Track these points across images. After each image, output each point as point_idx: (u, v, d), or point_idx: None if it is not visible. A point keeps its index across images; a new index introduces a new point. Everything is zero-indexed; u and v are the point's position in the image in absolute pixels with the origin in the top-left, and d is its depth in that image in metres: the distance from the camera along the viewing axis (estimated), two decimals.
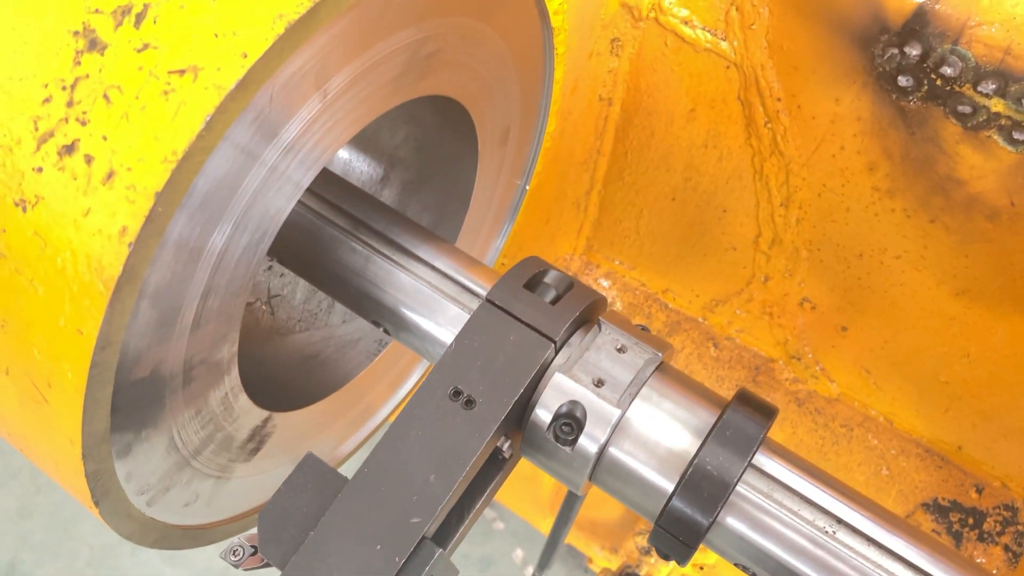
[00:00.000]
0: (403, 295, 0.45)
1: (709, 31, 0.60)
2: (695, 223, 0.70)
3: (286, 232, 0.40)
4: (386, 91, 0.41)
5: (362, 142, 0.57)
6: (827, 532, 0.39)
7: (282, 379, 0.52)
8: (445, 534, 0.43)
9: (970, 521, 0.68)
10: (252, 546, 0.42)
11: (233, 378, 0.43)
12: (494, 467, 0.45)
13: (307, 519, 0.40)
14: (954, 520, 0.69)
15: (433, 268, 0.45)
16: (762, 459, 0.40)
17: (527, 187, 0.60)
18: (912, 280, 0.62)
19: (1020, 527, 0.67)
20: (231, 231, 0.36)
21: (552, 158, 0.62)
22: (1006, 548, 0.67)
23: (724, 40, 0.60)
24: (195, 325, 0.38)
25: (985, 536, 0.68)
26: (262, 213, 0.37)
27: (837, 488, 0.41)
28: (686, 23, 0.60)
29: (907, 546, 0.39)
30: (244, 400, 0.44)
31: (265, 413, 0.47)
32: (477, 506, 0.44)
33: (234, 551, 0.42)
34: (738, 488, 0.39)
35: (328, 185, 0.47)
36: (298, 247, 0.47)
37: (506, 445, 0.44)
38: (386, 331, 0.46)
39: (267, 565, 0.41)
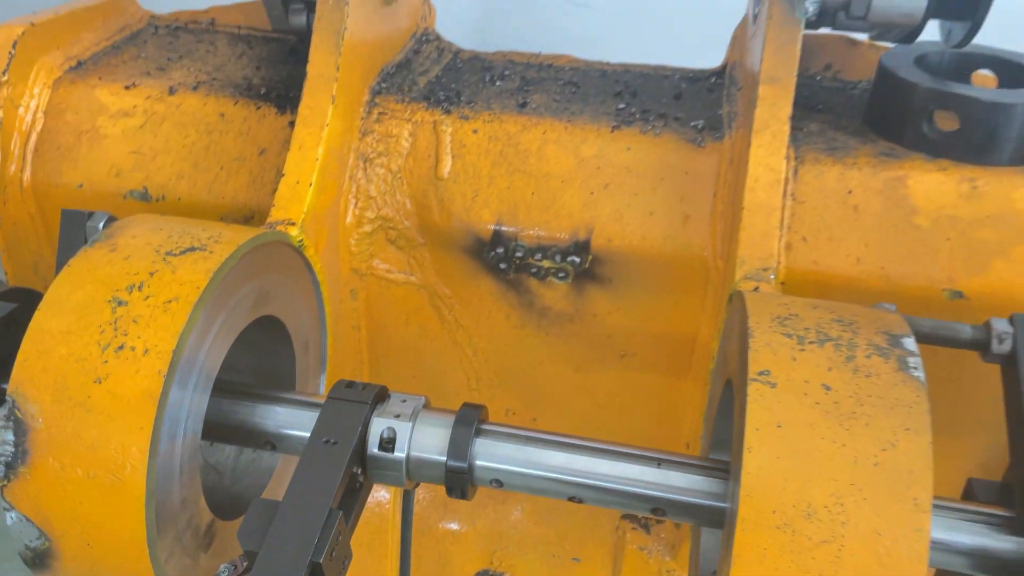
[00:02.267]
0: (281, 420, 0.79)
1: (402, 272, 1.05)
2: (433, 386, 1.10)
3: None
4: (246, 314, 0.79)
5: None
6: (541, 442, 0.76)
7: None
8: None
9: None
10: (233, 565, 0.70)
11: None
12: (353, 493, 0.78)
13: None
14: None
15: (293, 402, 0.81)
16: (484, 427, 0.77)
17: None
18: (557, 371, 1.07)
19: None
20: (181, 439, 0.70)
21: (334, 365, 1.00)
22: None
23: (412, 275, 1.05)
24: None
25: None
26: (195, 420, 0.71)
27: (541, 433, 0.79)
28: (388, 272, 1.05)
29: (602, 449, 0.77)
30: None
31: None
32: (349, 523, 0.76)
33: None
34: (474, 444, 0.76)
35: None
36: (213, 427, 0.80)
37: (359, 471, 0.77)
38: (273, 447, 0.80)
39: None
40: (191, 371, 0.69)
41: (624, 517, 1.10)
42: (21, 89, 1.01)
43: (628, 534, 1.09)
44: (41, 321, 0.68)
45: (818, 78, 1.10)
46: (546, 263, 0.98)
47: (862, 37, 1.07)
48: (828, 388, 0.61)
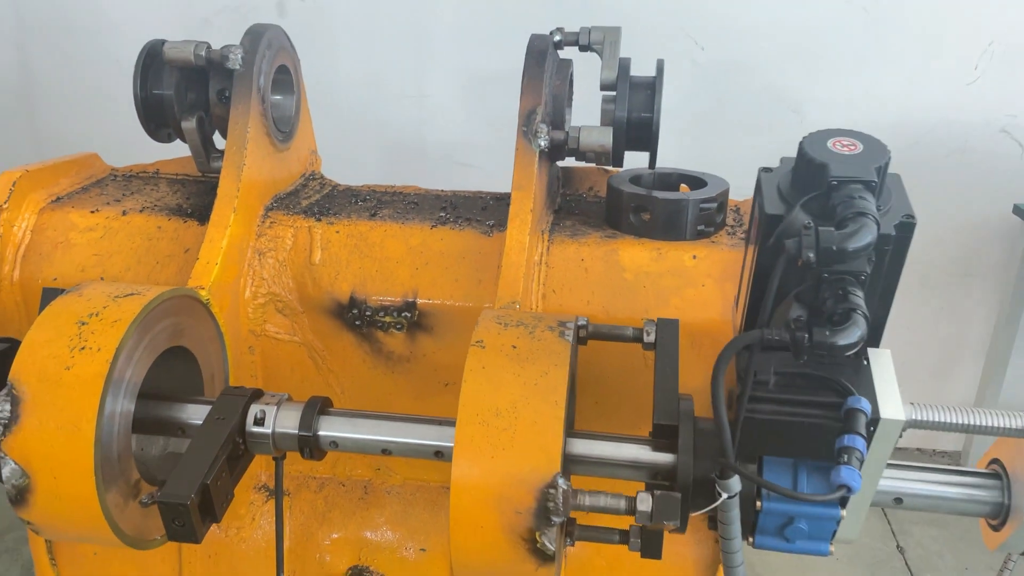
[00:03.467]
0: (189, 412, 1.15)
1: (287, 333, 1.44)
2: None
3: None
4: (166, 339, 1.16)
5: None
6: (362, 417, 1.13)
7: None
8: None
9: None
10: (151, 496, 1.03)
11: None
12: (236, 457, 1.12)
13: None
14: None
15: (197, 400, 1.17)
16: (326, 410, 1.14)
17: None
18: (401, 401, 1.44)
19: None
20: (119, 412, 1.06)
21: None
22: None
23: (295, 335, 1.44)
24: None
25: None
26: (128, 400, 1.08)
27: (363, 412, 1.16)
28: (277, 333, 1.44)
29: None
30: None
31: None
32: (234, 474, 1.11)
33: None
34: (318, 420, 1.12)
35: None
36: (142, 422, 1.15)
37: (240, 441, 1.12)
38: (183, 432, 1.15)
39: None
40: (127, 367, 1.06)
41: None
42: (16, 215, 1.41)
43: None
44: (31, 335, 1.05)
45: (582, 194, 1.57)
46: (387, 318, 1.38)
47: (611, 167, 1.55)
48: (515, 347, 1.02)
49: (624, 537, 1.15)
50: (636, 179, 1.45)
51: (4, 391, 1.02)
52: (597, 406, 1.31)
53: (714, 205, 1.34)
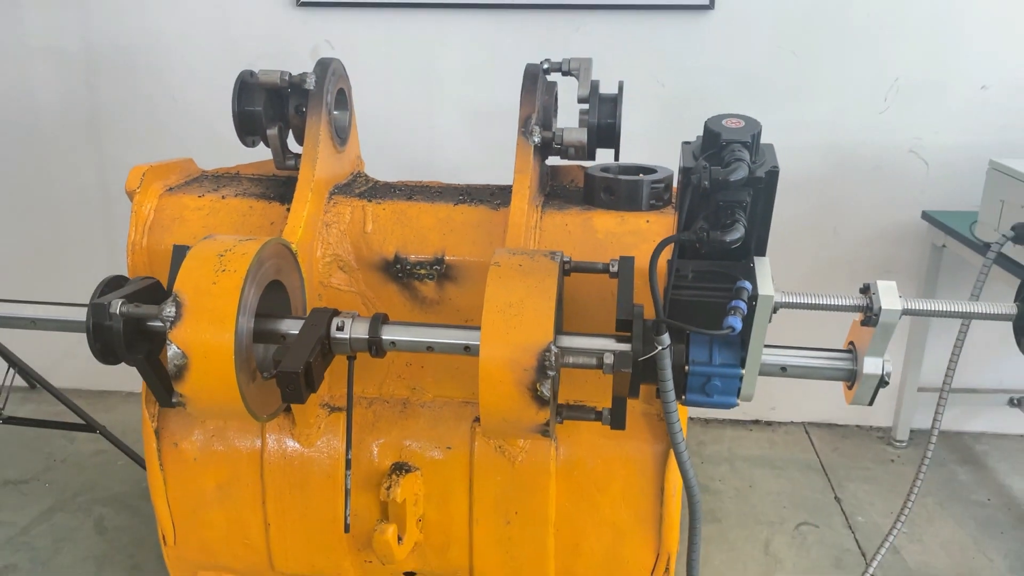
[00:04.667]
0: (288, 325, 1.59)
1: (347, 285, 1.88)
2: None
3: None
4: (272, 273, 1.61)
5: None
6: (413, 327, 1.57)
7: None
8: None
9: None
10: (267, 372, 1.46)
11: None
12: (324, 355, 1.55)
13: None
14: None
15: (295, 317, 1.61)
16: (386, 322, 1.58)
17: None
18: None
19: None
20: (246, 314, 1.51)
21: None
22: None
23: (352, 287, 1.88)
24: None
25: None
26: (252, 307, 1.53)
27: (409, 323, 1.60)
28: (339, 285, 1.88)
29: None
30: None
31: None
32: (325, 361, 1.54)
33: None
34: (381, 329, 1.57)
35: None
36: (256, 334, 1.59)
37: (327, 343, 1.55)
38: (284, 338, 1.59)
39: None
40: (251, 285, 1.50)
41: (475, 420, 1.88)
42: (144, 197, 1.87)
43: (476, 428, 1.86)
44: (187, 264, 1.48)
45: (565, 185, 2.05)
46: (422, 271, 1.83)
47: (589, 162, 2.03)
48: (521, 265, 1.47)
49: (598, 415, 1.60)
50: (606, 169, 1.92)
51: (170, 299, 1.46)
52: (580, 325, 1.76)
53: (662, 185, 1.82)
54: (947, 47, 2.97)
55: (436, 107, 3.21)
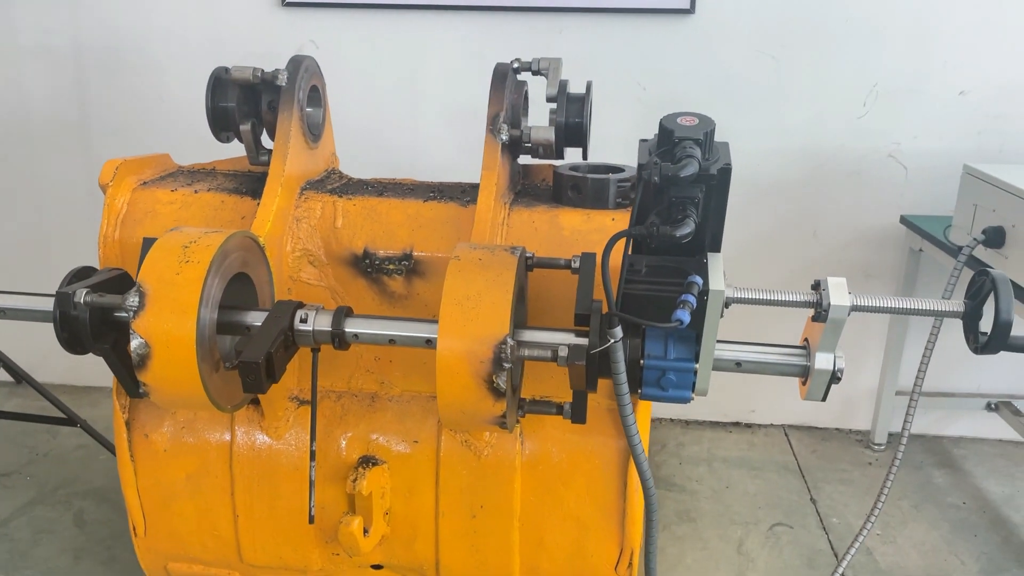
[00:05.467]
0: (252, 317, 1.61)
1: (316, 280, 1.89)
2: None
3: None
4: (237, 265, 1.63)
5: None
6: (379, 321, 1.58)
7: None
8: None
9: None
10: (229, 362, 1.47)
11: None
12: (287, 347, 1.57)
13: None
14: None
15: (259, 309, 1.63)
16: (350, 315, 1.60)
17: None
18: None
19: None
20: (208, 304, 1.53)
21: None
22: None
23: (322, 281, 1.90)
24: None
25: None
26: (215, 297, 1.54)
27: (377, 317, 1.61)
28: (308, 279, 1.89)
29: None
30: None
31: None
32: (287, 353, 1.56)
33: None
34: (345, 321, 1.58)
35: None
36: (220, 325, 1.60)
37: (290, 335, 1.56)
38: (248, 329, 1.60)
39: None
40: (214, 276, 1.51)
41: None
42: (117, 191, 1.89)
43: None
44: (151, 255, 1.49)
45: (536, 184, 2.06)
46: (391, 266, 1.85)
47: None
48: (480, 259, 1.49)
49: (559, 409, 1.62)
50: (575, 168, 1.94)
51: (134, 289, 1.48)
52: (548, 323, 1.78)
53: (628, 184, 1.83)
54: (926, 52, 2.99)
55: (420, 108, 3.23)
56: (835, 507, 2.95)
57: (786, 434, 3.48)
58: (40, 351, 3.34)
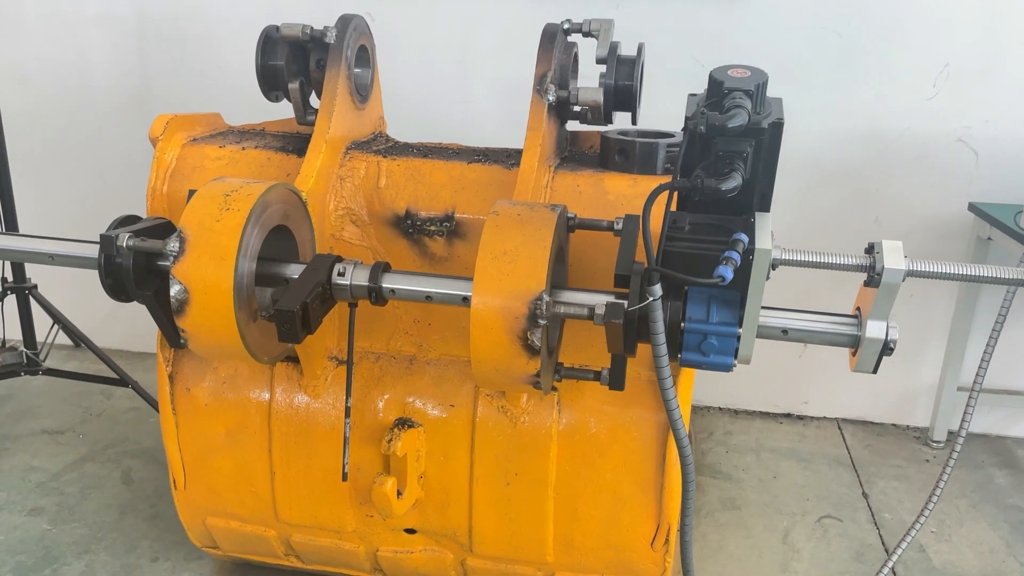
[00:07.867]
0: (293, 269, 1.61)
1: (358, 239, 1.89)
2: None
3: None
4: (277, 217, 1.63)
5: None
6: (412, 276, 1.57)
7: None
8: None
9: None
10: (266, 311, 1.47)
11: None
12: (324, 300, 1.56)
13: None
14: None
15: (299, 262, 1.62)
16: (388, 271, 1.58)
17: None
18: None
19: None
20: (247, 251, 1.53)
21: None
22: None
23: (364, 241, 1.89)
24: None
25: None
26: (255, 244, 1.54)
27: (413, 273, 1.59)
28: (351, 239, 1.89)
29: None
30: None
31: None
32: (324, 306, 1.55)
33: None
34: (382, 277, 1.56)
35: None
36: (260, 277, 1.61)
37: (328, 287, 1.55)
38: (287, 281, 1.60)
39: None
40: (253, 225, 1.52)
41: None
42: (167, 145, 1.91)
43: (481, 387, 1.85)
44: (193, 202, 1.51)
45: (584, 151, 2.02)
46: (432, 227, 1.83)
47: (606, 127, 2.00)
48: (519, 215, 1.46)
49: (596, 375, 1.57)
50: (623, 132, 1.89)
51: (175, 234, 1.49)
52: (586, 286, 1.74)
53: (677, 148, 1.78)
54: (1001, 32, 2.85)
55: (471, 83, 3.21)
56: (888, 503, 2.84)
57: (839, 427, 3.37)
58: (97, 316, 3.43)
